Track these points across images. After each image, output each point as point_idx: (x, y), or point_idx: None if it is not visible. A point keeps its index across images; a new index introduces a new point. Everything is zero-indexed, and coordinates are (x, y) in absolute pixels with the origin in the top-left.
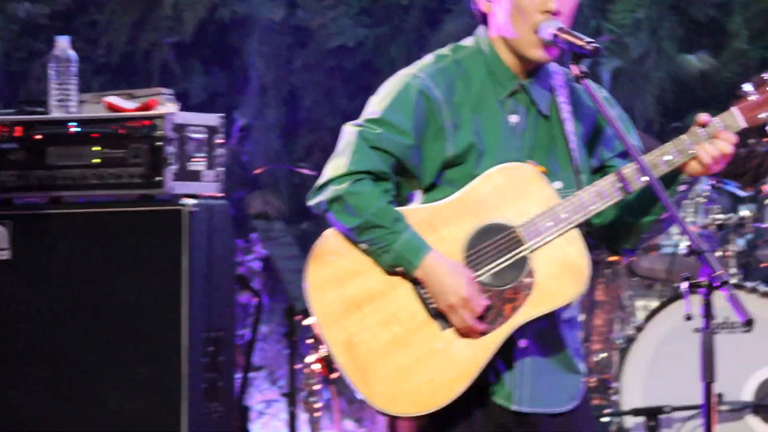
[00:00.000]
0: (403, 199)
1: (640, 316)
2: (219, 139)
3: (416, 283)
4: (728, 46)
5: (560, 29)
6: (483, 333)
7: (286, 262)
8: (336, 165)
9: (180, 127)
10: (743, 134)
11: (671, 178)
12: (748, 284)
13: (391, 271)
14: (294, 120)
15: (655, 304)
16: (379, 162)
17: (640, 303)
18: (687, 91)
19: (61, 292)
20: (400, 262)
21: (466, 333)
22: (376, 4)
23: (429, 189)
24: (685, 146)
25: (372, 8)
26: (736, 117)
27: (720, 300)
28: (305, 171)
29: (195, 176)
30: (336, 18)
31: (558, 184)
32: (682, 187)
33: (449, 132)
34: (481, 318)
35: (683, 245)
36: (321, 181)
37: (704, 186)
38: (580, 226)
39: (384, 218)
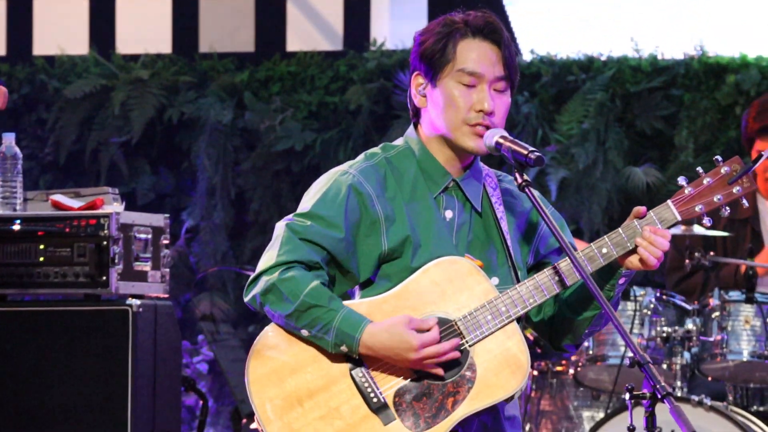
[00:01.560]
0: (342, 297)
1: (587, 426)
2: (165, 240)
3: (359, 363)
4: (674, 159)
5: (503, 137)
6: (459, 347)
7: (233, 364)
8: (267, 258)
9: (126, 227)
10: (689, 248)
11: (610, 273)
12: (694, 397)
13: (335, 356)
14: (241, 222)
15: (601, 415)
16: (310, 253)
17: (586, 414)
18: (633, 203)
19: (4, 390)
20: (342, 339)
21: (447, 360)
22: (324, 108)
23: (366, 285)
24: (622, 239)
25: (320, 112)
26: (671, 209)
27: (666, 413)
28: (252, 273)
29: (140, 276)
30: (284, 121)
31: (495, 280)
32: (621, 281)
33: (383, 225)
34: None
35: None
36: (253, 275)
37: (650, 298)
38: (520, 321)
39: (319, 298)
